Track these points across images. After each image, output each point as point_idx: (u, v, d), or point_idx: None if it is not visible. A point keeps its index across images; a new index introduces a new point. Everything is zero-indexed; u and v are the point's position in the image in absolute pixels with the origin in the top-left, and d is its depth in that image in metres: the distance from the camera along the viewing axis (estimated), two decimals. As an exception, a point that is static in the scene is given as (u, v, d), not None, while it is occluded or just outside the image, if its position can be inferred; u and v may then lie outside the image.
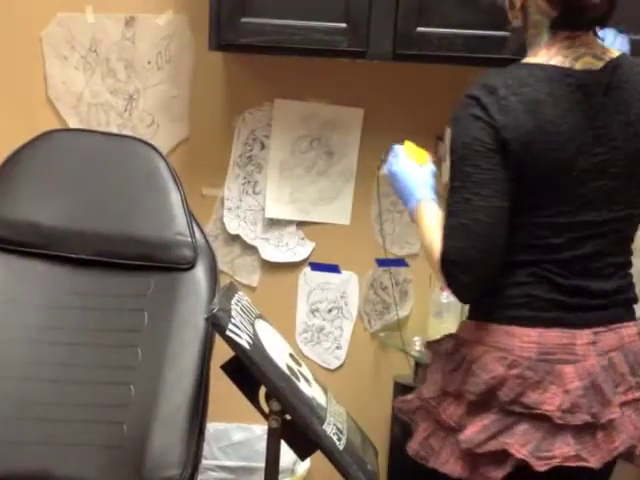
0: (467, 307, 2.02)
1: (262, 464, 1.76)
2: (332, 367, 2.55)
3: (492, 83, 1.52)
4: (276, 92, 2.45)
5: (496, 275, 1.56)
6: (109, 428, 1.85)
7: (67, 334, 1.97)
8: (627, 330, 1.61)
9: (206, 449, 2.33)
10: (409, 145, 1.73)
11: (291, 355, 1.83)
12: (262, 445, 1.80)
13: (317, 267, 2.49)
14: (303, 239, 2.51)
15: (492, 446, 1.55)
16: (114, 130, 2.45)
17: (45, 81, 2.46)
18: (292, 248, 2.51)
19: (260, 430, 2.45)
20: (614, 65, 1.56)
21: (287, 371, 1.70)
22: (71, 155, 2.11)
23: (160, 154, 2.10)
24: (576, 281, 1.57)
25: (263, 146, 2.48)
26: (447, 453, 1.61)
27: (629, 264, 1.65)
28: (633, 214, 1.62)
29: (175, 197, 2.06)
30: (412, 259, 2.49)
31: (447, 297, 2.33)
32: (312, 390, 1.76)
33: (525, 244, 1.56)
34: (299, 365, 1.82)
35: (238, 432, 2.54)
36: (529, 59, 1.57)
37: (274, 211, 2.49)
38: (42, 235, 2.04)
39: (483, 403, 1.56)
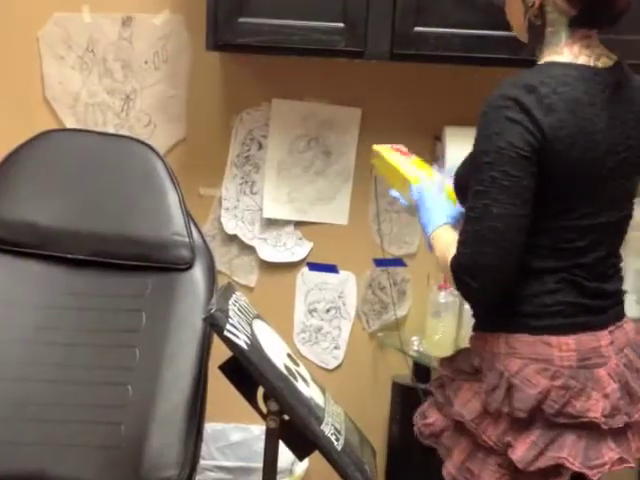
0: (467, 307, 2.01)
1: (260, 464, 1.76)
2: (330, 367, 2.55)
3: (529, 82, 1.48)
4: (273, 92, 2.45)
5: (511, 283, 1.52)
6: (107, 429, 1.84)
7: (64, 334, 1.97)
8: (628, 325, 1.64)
9: (204, 449, 2.33)
10: (448, 187, 1.70)
11: (289, 355, 1.83)
12: (260, 445, 1.80)
13: (315, 267, 2.49)
14: (301, 239, 2.51)
15: (542, 462, 1.51)
16: (111, 130, 2.44)
17: (42, 81, 2.46)
18: (290, 248, 2.51)
19: (258, 430, 2.45)
20: (620, 63, 1.58)
21: (285, 371, 1.69)
22: (68, 155, 2.11)
23: (157, 154, 2.10)
24: (596, 283, 1.57)
25: (261, 146, 2.47)
26: (488, 475, 1.55)
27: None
28: (631, 214, 1.65)
29: (172, 197, 2.05)
30: (410, 259, 2.49)
31: (445, 297, 2.32)
32: (310, 390, 1.76)
33: (552, 248, 1.54)
34: (297, 365, 1.82)
35: (236, 432, 2.54)
36: (553, 58, 1.54)
37: (272, 211, 2.49)
38: (39, 235, 2.04)
39: (524, 418, 1.52)
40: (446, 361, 1.69)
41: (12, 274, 2.03)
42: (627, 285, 2.29)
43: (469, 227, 1.50)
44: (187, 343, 1.91)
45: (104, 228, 2.03)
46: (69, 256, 2.03)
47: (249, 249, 2.51)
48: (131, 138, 2.18)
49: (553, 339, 1.53)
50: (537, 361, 1.52)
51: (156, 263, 2.02)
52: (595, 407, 1.51)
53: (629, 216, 1.65)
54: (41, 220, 2.04)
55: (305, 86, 2.44)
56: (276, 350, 1.75)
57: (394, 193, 1.79)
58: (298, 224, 2.50)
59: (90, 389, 1.90)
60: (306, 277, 2.52)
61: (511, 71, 1.62)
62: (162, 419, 1.82)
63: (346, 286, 2.52)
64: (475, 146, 1.51)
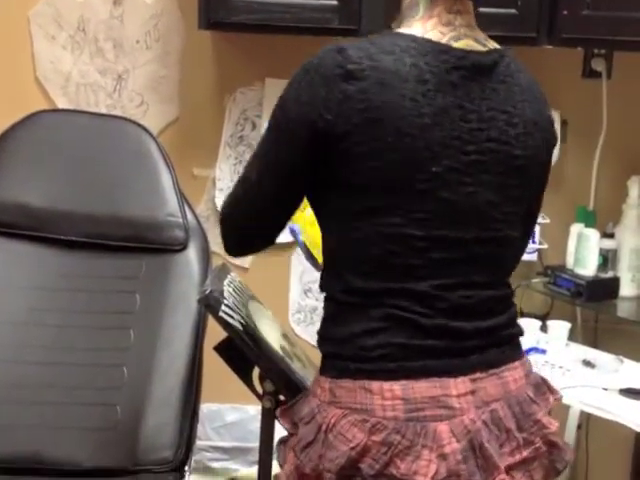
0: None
1: (255, 444, 1.76)
2: (325, 347, 2.55)
3: (344, 45, 1.22)
4: (267, 71, 2.43)
5: (252, 249, 1.46)
6: (102, 410, 1.84)
7: (57, 316, 1.96)
8: (512, 373, 1.31)
9: (200, 430, 2.32)
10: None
11: (285, 336, 1.82)
12: (255, 425, 1.80)
13: (309, 247, 2.47)
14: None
15: None
16: (103, 111, 2.42)
17: (33, 61, 2.43)
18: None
19: (253, 410, 2.45)
20: (500, 54, 1.29)
21: (281, 352, 1.69)
22: (60, 136, 2.09)
23: (151, 135, 2.09)
24: (443, 320, 1.26)
25: (254, 126, 2.46)
26: None
27: (511, 295, 1.37)
28: (511, 237, 1.32)
29: (166, 178, 2.04)
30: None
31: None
32: (306, 371, 1.75)
33: (376, 263, 1.25)
34: (293, 346, 1.81)
35: (231, 413, 2.54)
36: (401, 30, 1.29)
37: (266, 191, 2.47)
38: (31, 216, 2.02)
39: None
40: (286, 410, 1.39)
41: (4, 255, 2.02)
42: (623, 264, 2.33)
43: (237, 184, 1.37)
44: (182, 324, 1.91)
45: (97, 209, 2.02)
46: (62, 237, 2.02)
47: (243, 230, 2.50)
48: (124, 119, 2.17)
49: (375, 385, 1.24)
50: (356, 411, 1.24)
51: (150, 244, 2.00)
52: (425, 470, 1.21)
53: (507, 238, 1.31)
54: (33, 201, 2.02)
55: (299, 65, 2.41)
56: (272, 331, 1.74)
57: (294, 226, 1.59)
58: (292, 204, 2.48)
59: (85, 371, 1.89)
60: (301, 257, 2.51)
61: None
62: (158, 400, 1.82)
63: (341, 266, 2.51)
64: (275, 105, 1.30)
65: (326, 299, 1.37)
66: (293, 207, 1.35)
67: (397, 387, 1.24)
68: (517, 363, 1.33)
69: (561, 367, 2.11)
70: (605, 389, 1.99)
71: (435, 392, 1.24)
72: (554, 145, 1.39)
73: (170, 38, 2.42)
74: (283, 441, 1.38)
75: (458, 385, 1.25)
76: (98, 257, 2.01)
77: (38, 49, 2.43)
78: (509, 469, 1.27)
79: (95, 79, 2.44)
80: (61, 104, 2.44)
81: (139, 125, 2.10)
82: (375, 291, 1.25)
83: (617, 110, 2.40)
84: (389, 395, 1.23)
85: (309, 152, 1.24)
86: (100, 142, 2.08)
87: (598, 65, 2.41)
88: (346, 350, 1.28)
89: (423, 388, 1.24)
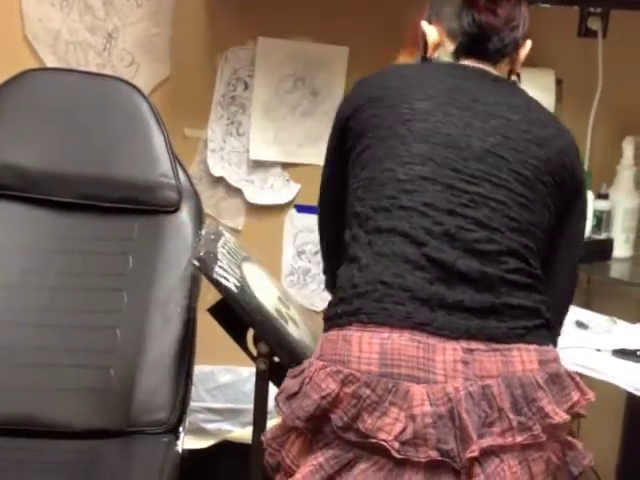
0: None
1: (248, 405, 1.77)
2: (319, 309, 2.55)
3: None
4: (259, 30, 2.40)
5: (328, 263, 1.60)
6: (95, 372, 1.84)
7: (50, 278, 1.95)
8: (522, 354, 1.23)
9: (192, 391, 2.33)
10: None
11: (279, 298, 1.82)
12: (248, 387, 1.81)
13: (303, 209, 2.47)
14: (288, 181, 2.48)
15: None
16: (93, 70, 2.39)
17: (21, 19, 2.39)
18: (277, 190, 2.48)
19: (246, 372, 2.46)
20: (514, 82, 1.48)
21: (275, 313, 1.69)
22: (50, 96, 2.06)
23: (142, 94, 2.06)
24: (434, 251, 1.23)
25: (247, 86, 2.43)
26: None
27: (526, 259, 1.29)
28: (519, 192, 1.30)
29: (158, 138, 2.02)
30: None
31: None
32: (301, 332, 1.75)
33: (367, 184, 1.33)
34: (287, 308, 1.81)
35: (224, 374, 2.54)
36: None
37: (258, 153, 2.45)
38: (23, 178, 2.00)
39: (321, 435, 1.23)
40: (294, 372, 1.35)
41: (-4, 217, 2.00)
42: (617, 225, 2.33)
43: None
44: (175, 285, 1.90)
45: (89, 170, 2.00)
46: (54, 199, 2.00)
47: (236, 191, 2.49)
48: (115, 78, 2.13)
49: (355, 336, 1.22)
50: (334, 362, 1.23)
51: (142, 205, 1.99)
52: (389, 427, 1.17)
53: (516, 192, 1.29)
54: (25, 162, 2.00)
55: (291, 24, 2.39)
56: (266, 292, 1.74)
57: None
58: (285, 166, 2.47)
59: (78, 333, 1.89)
60: (294, 219, 2.50)
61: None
62: (151, 362, 1.82)
63: (334, 228, 2.50)
64: None
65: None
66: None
67: (376, 341, 1.21)
68: (532, 347, 1.25)
69: (554, 328, 2.11)
70: (598, 350, 2.00)
71: (416, 352, 1.20)
72: (579, 172, 1.41)
73: (161, -5, 2.38)
74: None
75: (446, 351, 1.20)
76: (91, 218, 1.99)
77: (26, 7, 2.38)
78: (500, 451, 1.20)
79: (84, 37, 2.40)
80: (50, 63, 2.40)
81: (130, 84, 2.07)
82: (369, 214, 1.29)
83: (612, 70, 2.38)
84: (367, 348, 1.21)
85: (340, 147, 1.44)
86: (91, 102, 2.05)
87: (594, 24, 2.38)
88: (339, 293, 1.31)
89: (403, 346, 1.20)
